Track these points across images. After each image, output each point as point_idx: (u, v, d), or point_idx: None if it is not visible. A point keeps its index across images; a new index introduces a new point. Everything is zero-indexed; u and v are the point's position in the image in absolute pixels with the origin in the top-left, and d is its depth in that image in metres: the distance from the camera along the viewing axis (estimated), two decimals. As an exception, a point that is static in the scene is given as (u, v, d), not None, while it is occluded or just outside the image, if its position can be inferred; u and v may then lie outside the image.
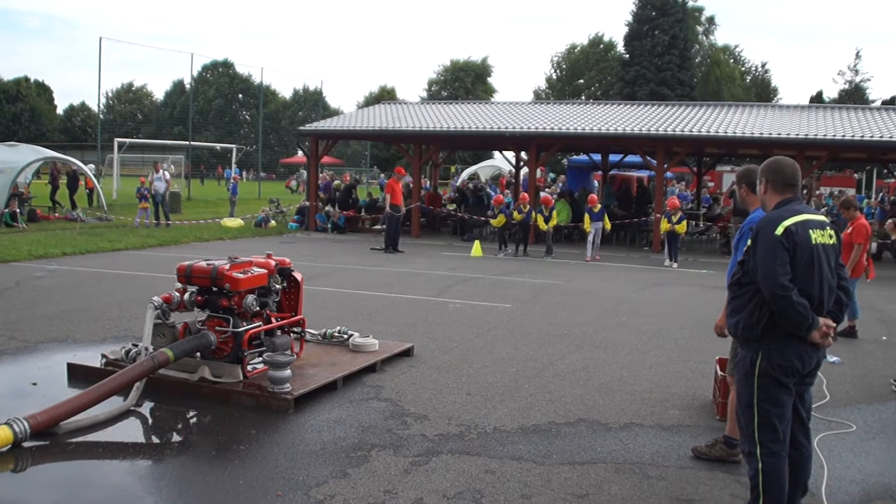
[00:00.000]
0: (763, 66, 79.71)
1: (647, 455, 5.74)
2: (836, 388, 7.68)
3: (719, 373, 6.66)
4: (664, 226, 18.67)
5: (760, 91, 70.80)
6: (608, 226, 19.98)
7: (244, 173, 61.46)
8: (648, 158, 22.66)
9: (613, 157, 30.45)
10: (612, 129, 22.03)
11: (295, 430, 6.09)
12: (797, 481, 4.33)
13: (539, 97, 71.38)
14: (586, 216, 19.54)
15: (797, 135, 20.11)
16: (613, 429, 6.33)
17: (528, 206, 19.70)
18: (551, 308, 11.90)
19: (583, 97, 70.26)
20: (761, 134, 20.54)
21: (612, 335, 10.00)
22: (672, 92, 54.12)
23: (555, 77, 76.14)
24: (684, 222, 18.64)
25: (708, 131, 21.05)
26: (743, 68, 74.27)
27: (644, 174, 33.04)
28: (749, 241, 4.23)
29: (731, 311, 4.33)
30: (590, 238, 19.24)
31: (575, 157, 34.64)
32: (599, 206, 19.72)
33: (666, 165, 22.73)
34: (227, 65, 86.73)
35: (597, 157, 30.74)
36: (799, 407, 4.32)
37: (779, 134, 20.37)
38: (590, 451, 5.79)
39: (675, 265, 17.93)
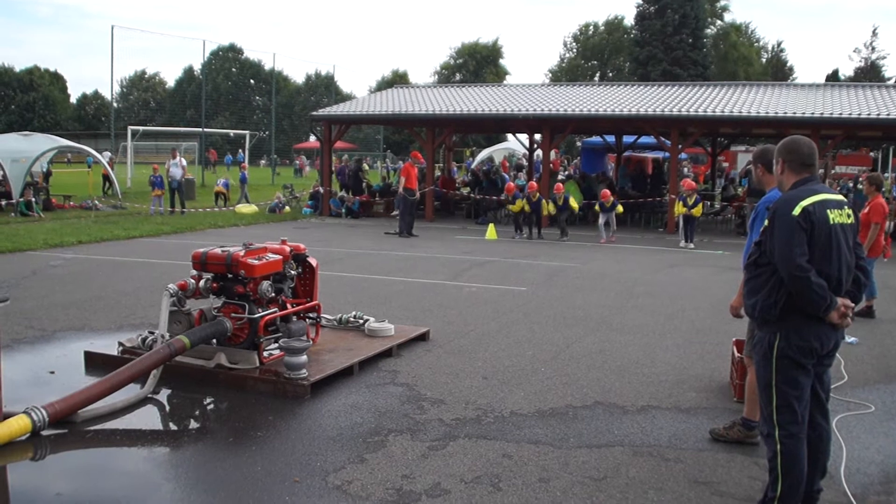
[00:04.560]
0: (779, 45, 78.86)
1: (664, 438, 5.72)
2: (854, 369, 7.63)
3: (736, 354, 6.62)
4: (679, 208, 18.47)
5: (776, 70, 70.08)
6: (619, 210, 19.50)
7: (261, 161, 61.47)
8: (662, 139, 22.51)
9: (628, 139, 30.30)
10: (626, 110, 21.88)
11: (312, 416, 6.11)
12: (816, 463, 4.31)
13: (556, 77, 70.97)
14: (597, 207, 19.60)
15: (812, 114, 19.91)
16: (630, 412, 6.31)
17: (538, 195, 19.52)
18: (567, 291, 11.87)
19: (596, 78, 69.87)
20: (776, 113, 20.35)
21: (628, 317, 9.96)
22: (685, 72, 53.64)
23: (568, 57, 75.69)
24: (700, 205, 18.26)
25: (722, 111, 20.87)
26: (758, 44, 73.43)
27: (659, 155, 32.87)
28: (766, 222, 4.19)
29: (748, 292, 4.29)
30: (601, 221, 19.09)
31: (589, 138, 34.48)
32: (612, 200, 19.23)
33: (680, 146, 22.58)
34: (236, 50, 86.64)
35: (611, 138, 30.60)
36: (817, 388, 4.28)
37: (794, 113, 20.17)
38: (607, 435, 5.77)
39: (690, 245, 17.84)
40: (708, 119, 21.08)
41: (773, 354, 4.13)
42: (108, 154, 37.97)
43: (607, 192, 19.70)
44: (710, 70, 58.62)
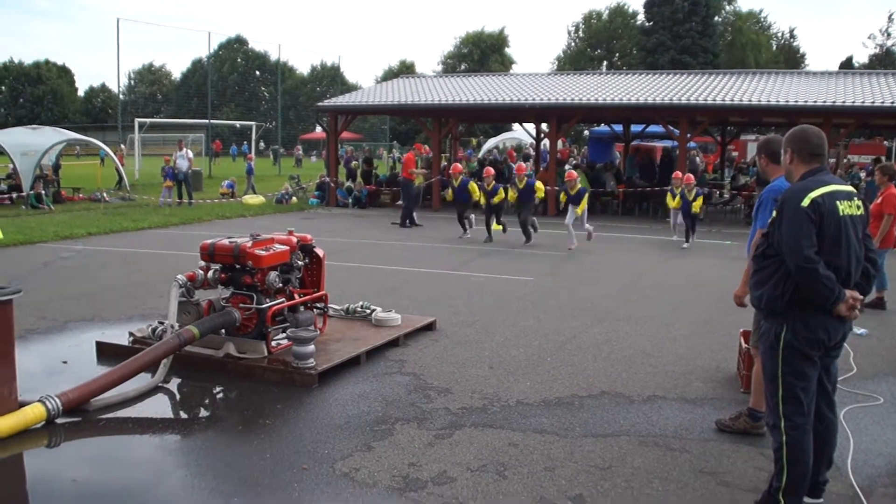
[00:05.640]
0: (791, 32, 78.30)
1: (670, 428, 5.74)
2: (863, 361, 7.62)
3: (743, 345, 6.63)
4: (670, 202, 16.67)
5: (788, 58, 69.62)
6: (580, 209, 15.28)
7: (268, 151, 61.49)
8: (671, 128, 22.45)
9: (636, 128, 30.21)
10: (634, 99, 21.82)
11: (319, 405, 6.15)
12: (822, 454, 4.32)
13: (562, 66, 70.74)
14: (562, 193, 16.33)
15: (824, 102, 19.78)
16: (636, 401, 6.33)
17: (525, 179, 16.12)
18: (573, 281, 11.88)
19: (603, 67, 69.62)
20: (787, 102, 20.25)
21: (635, 308, 9.97)
22: (694, 60, 53.42)
23: (574, 45, 75.40)
24: (700, 199, 16.26)
25: (732, 100, 20.77)
26: (769, 31, 72.96)
27: (668, 144, 32.77)
28: (774, 213, 4.19)
29: (755, 284, 4.29)
30: (567, 220, 15.51)
31: (597, 128, 34.39)
32: (579, 187, 15.65)
33: (689, 135, 22.50)
34: (242, 41, 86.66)
35: (619, 127, 30.52)
36: (824, 379, 4.29)
37: (805, 101, 20.05)
38: (613, 424, 5.80)
39: (685, 245, 15.97)
40: (717, 108, 20.99)
41: (779, 345, 4.13)
42: (124, 147, 38.20)
43: (573, 173, 16.30)
44: (720, 58, 58.32)
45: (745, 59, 60.91)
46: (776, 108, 20.43)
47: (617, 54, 72.08)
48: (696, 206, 16.06)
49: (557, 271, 12.75)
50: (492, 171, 16.96)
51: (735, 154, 36.98)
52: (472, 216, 17.38)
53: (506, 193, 16.26)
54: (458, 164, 18.58)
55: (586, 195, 15.64)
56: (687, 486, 4.76)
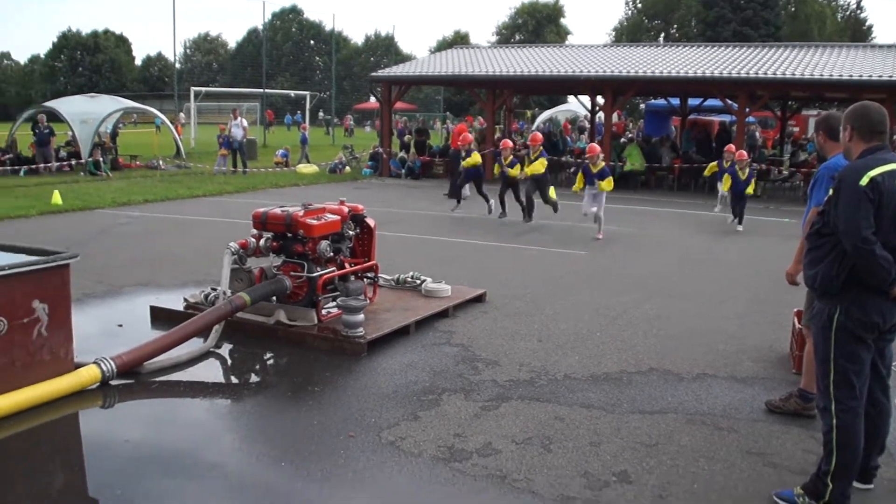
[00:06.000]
0: (858, 3, 75.94)
1: (718, 407, 5.68)
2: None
3: (797, 325, 6.51)
4: (727, 183, 15.01)
5: (854, 31, 67.51)
6: (606, 187, 13.01)
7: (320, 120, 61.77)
8: (729, 102, 21.98)
9: (693, 101, 29.68)
10: (692, 72, 21.39)
11: (368, 374, 6.21)
12: (874, 439, 4.23)
13: (618, 37, 69.68)
14: (580, 175, 13.59)
15: (890, 77, 19.14)
16: (686, 379, 6.27)
17: (540, 150, 14.48)
18: (626, 256, 11.78)
19: (661, 39, 68.35)
20: (850, 76, 19.63)
21: (688, 284, 9.85)
22: (755, 32, 52.11)
23: (630, 17, 74.12)
24: (753, 182, 14.98)
25: (793, 74, 20.22)
26: (834, 4, 70.82)
27: (726, 119, 32.15)
28: (831, 191, 4.08)
29: (809, 262, 4.19)
30: (587, 208, 13.26)
31: (653, 101, 33.87)
32: (602, 164, 13.16)
33: (748, 109, 22.02)
34: (297, 11, 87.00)
35: (675, 101, 30.01)
36: (878, 363, 4.18)
37: (870, 76, 19.42)
38: (660, 401, 5.75)
39: (739, 227, 14.69)
40: (777, 81, 20.44)
41: (832, 327, 4.03)
42: (182, 116, 38.77)
43: (594, 147, 13.74)
44: (782, 30, 56.81)
45: (808, 31, 59.17)
46: (838, 82, 19.79)
47: (675, 25, 70.61)
48: (751, 188, 14.77)
49: (610, 246, 12.63)
50: (509, 143, 15.74)
51: (796, 129, 36.13)
52: (468, 190, 16.89)
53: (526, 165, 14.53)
54: (468, 135, 17.54)
55: (610, 177, 13.21)
56: (733, 466, 4.71)
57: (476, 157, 15.71)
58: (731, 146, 15.86)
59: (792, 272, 5.61)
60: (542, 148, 14.65)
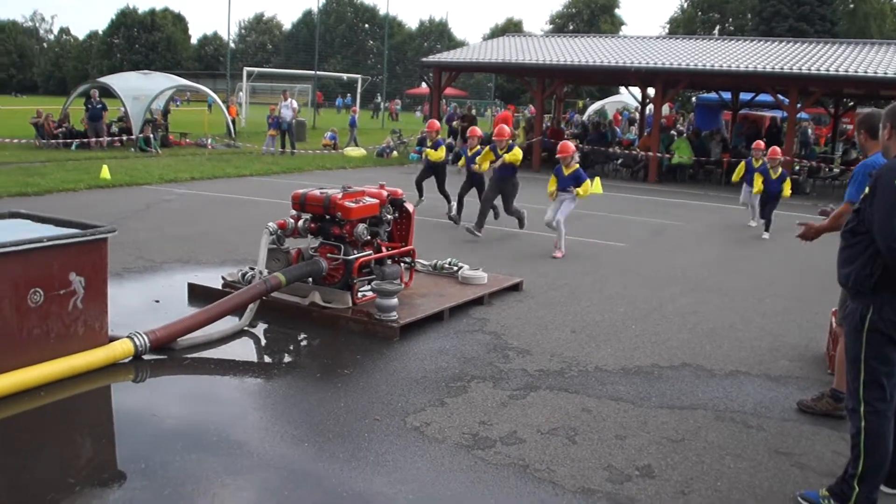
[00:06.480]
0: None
1: (749, 404, 5.60)
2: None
3: (834, 325, 6.40)
4: (758, 184, 13.53)
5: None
6: (584, 194, 10.86)
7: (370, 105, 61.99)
8: (780, 98, 21.57)
9: (745, 96, 29.20)
10: (743, 66, 21.03)
11: (398, 358, 6.24)
12: (903, 443, 4.15)
13: (673, 29, 68.76)
14: (552, 178, 11.21)
15: (949, 75, 18.66)
16: (718, 375, 6.20)
17: (507, 144, 12.12)
18: (666, 249, 11.66)
19: (716, 32, 67.29)
20: (905, 74, 19.16)
21: (727, 279, 9.73)
22: (811, 28, 51.06)
23: (685, 9, 73.12)
24: (788, 181, 13.65)
25: (847, 70, 19.79)
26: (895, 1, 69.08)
27: (778, 114, 31.57)
28: (867, 189, 3.99)
29: (842, 261, 4.11)
30: (550, 215, 11.02)
31: (705, 94, 33.38)
32: (576, 166, 10.96)
33: (799, 105, 21.59)
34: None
35: (727, 95, 29.55)
36: (910, 365, 4.10)
37: (928, 74, 18.96)
38: (690, 397, 5.70)
39: (765, 235, 13.25)
40: (830, 78, 20.03)
41: (863, 328, 3.95)
42: (240, 94, 39.25)
43: (567, 144, 11.27)
44: (839, 27, 55.57)
45: (866, 28, 57.85)
46: (892, 80, 19.33)
47: (730, 18, 69.48)
48: (787, 190, 13.50)
49: (650, 239, 12.52)
50: (477, 131, 13.80)
51: (849, 128, 35.35)
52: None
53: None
54: (435, 122, 14.98)
55: (587, 182, 10.99)
56: (760, 465, 4.65)
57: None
58: (760, 142, 14.64)
59: (818, 226, 5.63)
60: (510, 142, 12.29)
